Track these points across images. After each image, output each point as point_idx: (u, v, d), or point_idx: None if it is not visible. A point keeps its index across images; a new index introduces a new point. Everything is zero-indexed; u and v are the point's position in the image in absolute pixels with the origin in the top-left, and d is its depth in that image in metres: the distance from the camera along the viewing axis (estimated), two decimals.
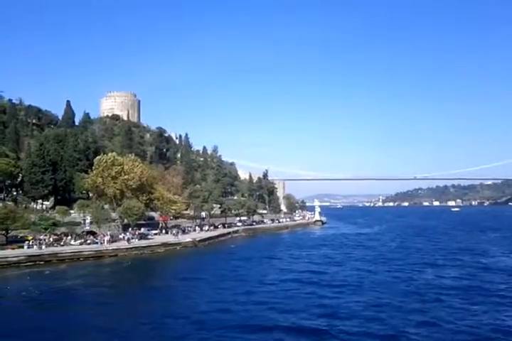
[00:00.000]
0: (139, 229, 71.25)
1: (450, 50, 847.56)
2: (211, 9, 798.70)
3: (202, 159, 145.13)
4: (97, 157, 68.31)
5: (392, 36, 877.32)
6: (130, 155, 75.41)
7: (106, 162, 66.92)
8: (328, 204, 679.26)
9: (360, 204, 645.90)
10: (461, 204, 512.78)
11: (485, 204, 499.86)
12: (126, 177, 66.14)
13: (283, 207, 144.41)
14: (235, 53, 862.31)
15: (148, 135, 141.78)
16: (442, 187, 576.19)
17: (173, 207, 70.62)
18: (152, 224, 79.03)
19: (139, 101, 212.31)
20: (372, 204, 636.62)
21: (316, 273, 41.27)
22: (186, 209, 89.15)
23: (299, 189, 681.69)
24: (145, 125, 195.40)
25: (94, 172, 66.63)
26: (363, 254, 56.63)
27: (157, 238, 68.32)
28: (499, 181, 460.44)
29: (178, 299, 31.47)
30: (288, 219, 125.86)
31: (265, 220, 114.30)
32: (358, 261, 49.81)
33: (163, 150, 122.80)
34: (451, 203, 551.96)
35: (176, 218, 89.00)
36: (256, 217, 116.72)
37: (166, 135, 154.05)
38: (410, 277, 38.89)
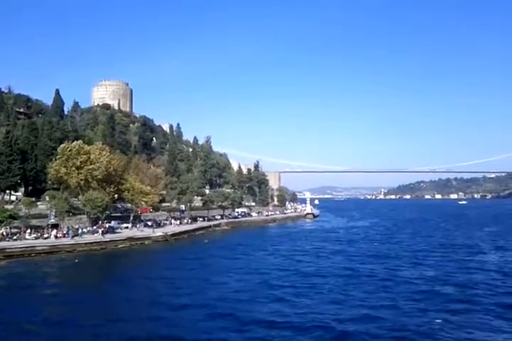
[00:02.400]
0: (109, 222, 67.31)
1: (452, 41, 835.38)
2: (210, 3, 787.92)
3: (191, 150, 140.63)
4: (61, 145, 63.85)
5: (391, 29, 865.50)
6: (98, 143, 70.90)
7: (70, 150, 62.53)
8: (330, 196, 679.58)
9: (362, 197, 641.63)
10: (463, 197, 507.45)
11: (487, 197, 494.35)
12: (91, 166, 61.77)
13: (275, 200, 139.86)
14: (232, 46, 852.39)
15: (131, 124, 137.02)
16: (445, 180, 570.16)
17: (144, 199, 66.24)
18: (128, 217, 74.87)
19: (132, 90, 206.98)
20: (374, 197, 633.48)
21: (273, 278, 36.59)
22: (161, 202, 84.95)
23: (300, 181, 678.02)
24: (137, 115, 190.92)
25: (58, 161, 62.20)
26: (337, 250, 53.35)
27: (126, 232, 64.22)
28: (503, 174, 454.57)
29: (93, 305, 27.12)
30: (277, 212, 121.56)
31: (252, 213, 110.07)
32: (325, 259, 46.30)
33: (148, 140, 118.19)
34: (454, 196, 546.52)
35: (156, 210, 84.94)
36: (244, 210, 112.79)
37: (154, 124, 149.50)
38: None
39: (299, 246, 57.92)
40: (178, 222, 76.00)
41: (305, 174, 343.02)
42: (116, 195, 66.99)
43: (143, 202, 66.71)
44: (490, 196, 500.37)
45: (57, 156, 63.01)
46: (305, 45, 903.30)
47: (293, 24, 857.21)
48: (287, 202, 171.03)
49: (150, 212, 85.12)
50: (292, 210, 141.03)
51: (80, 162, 62.21)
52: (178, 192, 77.91)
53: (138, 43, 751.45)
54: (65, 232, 56.31)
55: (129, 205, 76.61)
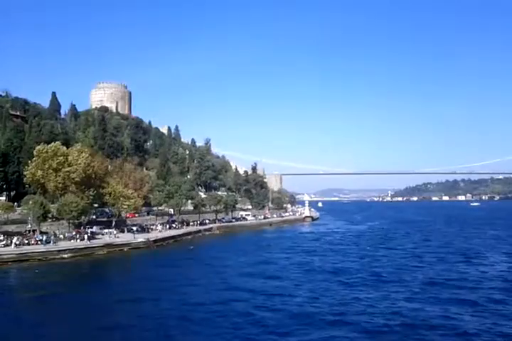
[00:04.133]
0: (91, 228, 64.06)
1: (454, 42, 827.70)
2: (210, 5, 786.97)
3: (188, 152, 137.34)
4: (37, 147, 60.69)
5: (391, 32, 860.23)
6: (78, 145, 67.77)
7: (47, 152, 59.40)
8: (337, 199, 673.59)
9: (368, 199, 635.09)
10: (472, 199, 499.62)
11: (495, 198, 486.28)
12: (68, 169, 58.57)
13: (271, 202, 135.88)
14: (233, 49, 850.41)
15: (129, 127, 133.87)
16: (452, 182, 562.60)
17: (126, 203, 62.84)
18: (121, 221, 71.54)
19: (130, 93, 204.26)
20: (381, 199, 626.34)
21: (245, 291, 32.93)
22: (152, 206, 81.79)
23: (307, 184, 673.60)
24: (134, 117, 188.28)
25: (33, 164, 59.05)
26: (322, 262, 47.40)
27: (107, 238, 60.80)
28: (510, 175, 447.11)
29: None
30: (274, 216, 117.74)
31: (248, 217, 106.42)
32: (302, 273, 40.79)
33: (141, 142, 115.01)
34: (461, 198, 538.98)
35: (147, 214, 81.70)
36: (242, 213, 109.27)
37: (149, 126, 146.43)
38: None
39: (270, 257, 51.66)
40: (164, 226, 72.45)
41: (312, 176, 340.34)
42: (94, 199, 63.86)
43: (124, 206, 63.16)
44: (498, 197, 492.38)
45: (34, 158, 59.83)
46: (306, 46, 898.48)
47: (293, 26, 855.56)
48: (288, 205, 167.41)
49: (139, 216, 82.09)
50: (291, 213, 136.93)
51: (57, 164, 59.10)
52: (166, 196, 74.39)
53: (138, 46, 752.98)
54: (38, 239, 53.11)
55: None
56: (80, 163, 59.40)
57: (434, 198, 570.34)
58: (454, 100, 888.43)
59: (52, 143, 61.50)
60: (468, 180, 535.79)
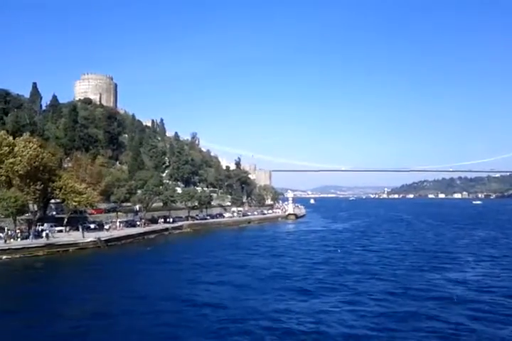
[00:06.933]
0: (42, 225, 58.86)
1: (452, 42, 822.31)
2: (209, 3, 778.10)
3: (168, 146, 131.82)
4: None
5: (391, 30, 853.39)
6: (26, 134, 62.37)
7: None
8: (333, 195, 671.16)
9: (365, 196, 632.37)
10: (467, 197, 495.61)
11: (491, 197, 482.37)
12: (11, 160, 53.22)
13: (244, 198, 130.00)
14: (231, 46, 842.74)
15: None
16: (448, 180, 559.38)
17: (77, 199, 57.50)
18: (75, 218, 66.29)
19: (116, 84, 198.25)
20: (377, 196, 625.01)
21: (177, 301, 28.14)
22: (123, 202, 76.51)
23: (304, 181, 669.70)
24: (121, 111, 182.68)
25: None
26: (274, 266, 42.21)
27: (59, 236, 55.46)
28: (507, 174, 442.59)
29: None
30: (255, 213, 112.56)
31: (225, 214, 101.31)
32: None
33: (114, 134, 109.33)
34: (457, 196, 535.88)
35: (111, 211, 76.41)
36: (218, 210, 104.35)
37: (125, 118, 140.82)
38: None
39: (229, 259, 46.77)
40: (123, 224, 67.23)
41: (309, 173, 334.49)
42: (47, 194, 58.76)
43: (74, 203, 57.78)
44: (494, 196, 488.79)
45: None
46: (305, 45, 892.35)
47: (293, 24, 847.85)
48: (280, 202, 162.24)
49: (105, 213, 76.98)
50: (277, 210, 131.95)
51: (1, 155, 53.77)
52: (127, 191, 69.07)
53: (130, 41, 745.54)
54: None
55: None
56: (25, 155, 53.97)
57: (431, 196, 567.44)
58: (452, 98, 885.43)
59: None
60: (465, 178, 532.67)
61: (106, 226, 62.94)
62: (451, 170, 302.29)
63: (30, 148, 55.60)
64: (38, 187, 55.12)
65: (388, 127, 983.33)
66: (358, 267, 40.98)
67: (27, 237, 51.73)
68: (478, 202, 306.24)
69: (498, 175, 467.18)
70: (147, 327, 22.69)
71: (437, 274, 37.35)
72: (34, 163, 54.84)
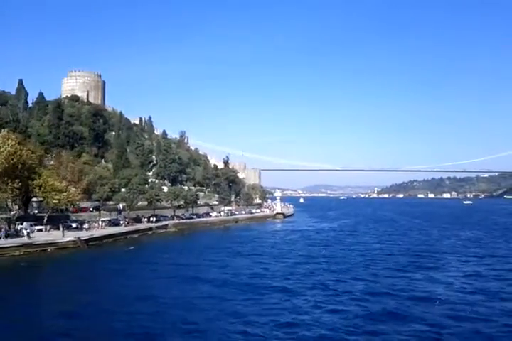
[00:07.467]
0: (21, 224, 57.39)
1: (450, 42, 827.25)
2: (208, 3, 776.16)
3: (156, 144, 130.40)
4: None
5: (391, 31, 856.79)
6: (3, 130, 60.74)
7: None
8: (324, 195, 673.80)
9: (355, 196, 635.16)
10: (456, 197, 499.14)
11: (480, 197, 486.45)
12: None
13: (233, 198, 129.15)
14: (229, 47, 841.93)
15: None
16: (438, 180, 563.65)
17: (57, 197, 56.17)
18: (57, 217, 64.83)
19: (104, 82, 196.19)
20: (367, 196, 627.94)
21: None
22: (106, 200, 75.27)
23: (294, 180, 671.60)
24: (109, 108, 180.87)
25: None
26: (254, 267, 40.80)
27: (38, 236, 54.05)
28: (495, 174, 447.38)
29: None
30: (243, 212, 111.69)
31: (212, 213, 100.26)
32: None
33: (100, 131, 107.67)
34: (446, 195, 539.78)
35: (96, 210, 75.09)
36: (205, 209, 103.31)
37: (112, 115, 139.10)
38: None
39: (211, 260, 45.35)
40: (105, 223, 65.95)
41: (299, 172, 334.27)
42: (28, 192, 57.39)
43: (54, 201, 56.43)
44: (483, 196, 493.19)
45: None
46: (305, 45, 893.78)
47: (293, 24, 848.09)
48: (269, 201, 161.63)
49: (91, 211, 75.71)
50: (265, 210, 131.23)
51: None
52: (110, 190, 67.79)
53: (123, 40, 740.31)
54: None
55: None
56: (2, 151, 52.53)
57: (420, 195, 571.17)
58: (442, 99, 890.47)
59: None
60: (454, 178, 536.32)
61: (85, 225, 61.39)
62: (436, 170, 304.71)
63: (8, 144, 54.18)
64: (16, 185, 53.68)
65: (379, 127, 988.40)
66: (340, 267, 40.33)
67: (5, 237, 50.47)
68: (469, 202, 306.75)
69: (486, 175, 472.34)
70: (123, 328, 21.83)
71: (420, 274, 36.74)
72: (12, 159, 53.44)
